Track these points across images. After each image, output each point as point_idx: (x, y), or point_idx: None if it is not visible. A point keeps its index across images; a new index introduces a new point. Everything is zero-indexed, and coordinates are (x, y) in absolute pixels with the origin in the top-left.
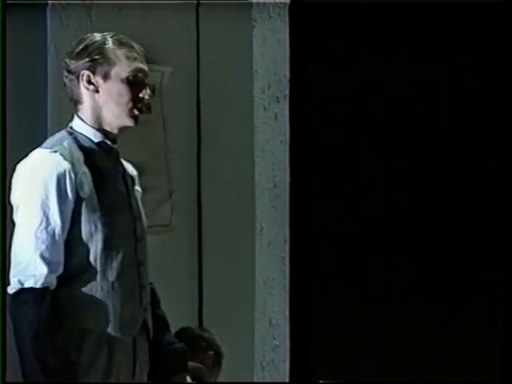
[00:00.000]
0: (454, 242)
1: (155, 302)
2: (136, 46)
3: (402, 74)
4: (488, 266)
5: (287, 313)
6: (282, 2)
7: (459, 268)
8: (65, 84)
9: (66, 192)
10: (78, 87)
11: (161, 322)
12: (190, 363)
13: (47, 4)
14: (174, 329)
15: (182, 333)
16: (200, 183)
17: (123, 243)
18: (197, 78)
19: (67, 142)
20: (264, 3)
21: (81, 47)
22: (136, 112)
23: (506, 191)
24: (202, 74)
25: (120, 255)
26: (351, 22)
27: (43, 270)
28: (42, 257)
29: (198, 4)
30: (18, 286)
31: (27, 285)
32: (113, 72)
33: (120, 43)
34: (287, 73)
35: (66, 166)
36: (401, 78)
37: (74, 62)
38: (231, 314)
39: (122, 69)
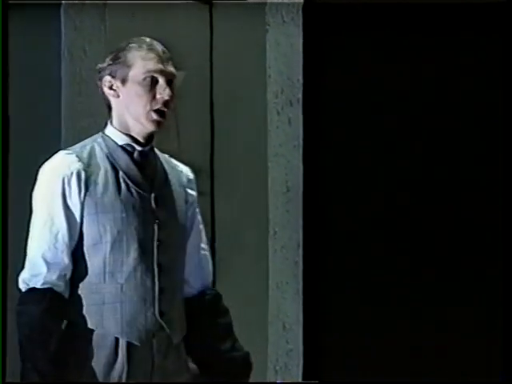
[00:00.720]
0: (456, 242)
1: (217, 309)
2: (159, 47)
3: (412, 76)
4: (488, 265)
5: (301, 317)
6: (295, 3)
7: (459, 268)
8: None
9: (73, 194)
10: (104, 93)
11: (220, 329)
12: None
13: (60, 7)
14: None
15: None
16: (213, 187)
17: (137, 246)
18: (210, 82)
19: (90, 145)
20: (277, 8)
21: (108, 54)
22: (155, 116)
23: (506, 191)
24: (215, 79)
25: (131, 258)
26: (365, 27)
27: (43, 270)
28: (43, 257)
29: (212, 8)
30: (24, 285)
31: (31, 284)
32: (130, 75)
33: (139, 46)
34: (300, 77)
35: (78, 167)
36: (412, 79)
37: (100, 67)
38: (244, 318)
39: (138, 71)
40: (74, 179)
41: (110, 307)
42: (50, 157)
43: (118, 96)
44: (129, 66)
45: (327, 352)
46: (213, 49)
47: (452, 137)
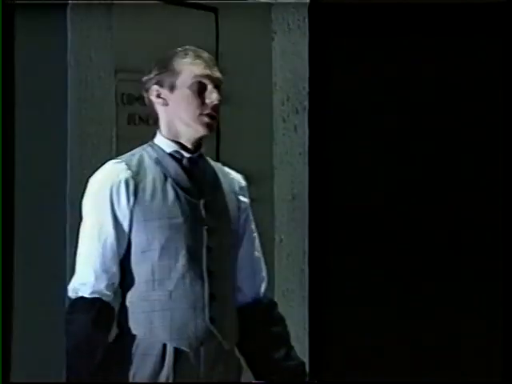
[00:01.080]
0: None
1: (271, 317)
2: (204, 54)
3: (416, 79)
4: (488, 266)
5: (306, 325)
6: (301, 10)
7: (460, 268)
8: (145, 103)
9: (121, 202)
10: (152, 103)
11: (275, 337)
12: None
13: (66, 13)
14: None
15: None
16: None
17: (185, 253)
18: None
19: (139, 153)
20: (283, 15)
21: (152, 65)
22: (206, 119)
23: (506, 191)
24: (221, 86)
25: (180, 264)
26: (371, 34)
27: (91, 278)
28: (92, 265)
29: (217, 15)
30: (73, 294)
31: (80, 293)
32: (178, 81)
33: (185, 53)
34: (306, 84)
35: (126, 175)
36: (415, 82)
37: (146, 79)
38: None
39: (186, 77)
40: (122, 187)
41: (159, 314)
42: (54, 163)
43: (167, 104)
44: (176, 73)
45: (334, 359)
46: (218, 56)
47: (452, 137)
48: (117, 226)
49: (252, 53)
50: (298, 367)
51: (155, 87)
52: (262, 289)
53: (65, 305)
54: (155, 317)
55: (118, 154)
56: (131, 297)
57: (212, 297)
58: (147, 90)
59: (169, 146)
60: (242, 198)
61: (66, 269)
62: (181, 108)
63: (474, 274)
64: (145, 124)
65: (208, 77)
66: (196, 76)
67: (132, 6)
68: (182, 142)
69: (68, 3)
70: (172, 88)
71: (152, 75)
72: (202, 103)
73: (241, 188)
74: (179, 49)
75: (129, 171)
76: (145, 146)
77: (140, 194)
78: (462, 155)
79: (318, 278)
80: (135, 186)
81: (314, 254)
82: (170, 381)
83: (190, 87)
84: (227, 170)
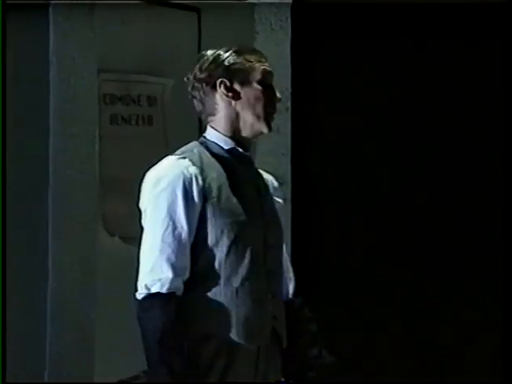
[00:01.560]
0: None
1: (304, 316)
2: (263, 53)
3: (404, 78)
4: (489, 265)
5: None
6: (284, 11)
7: (461, 269)
8: (194, 97)
9: (193, 196)
10: (213, 97)
11: (309, 335)
12: None
13: (48, 13)
14: None
15: None
16: None
17: (251, 250)
18: None
19: (197, 149)
20: (266, 16)
21: (211, 58)
22: (270, 117)
23: (508, 191)
24: None
25: (246, 261)
26: (355, 34)
27: (169, 274)
28: (168, 261)
29: (200, 16)
30: (145, 291)
31: (154, 290)
32: (250, 77)
33: (250, 50)
34: (289, 85)
35: (194, 170)
36: (402, 82)
37: (206, 72)
38: None
39: (256, 73)
40: (193, 182)
41: (224, 310)
42: (37, 162)
43: (238, 98)
44: (247, 69)
45: None
46: None
47: (452, 138)
48: (189, 221)
49: None
50: (332, 364)
51: (225, 80)
52: (292, 288)
53: (47, 304)
54: (220, 312)
55: (100, 153)
56: (197, 292)
57: (273, 294)
58: (208, 83)
59: (226, 143)
60: (277, 199)
61: (49, 268)
62: (250, 104)
63: (474, 274)
64: (127, 124)
65: (272, 74)
66: (265, 72)
67: (114, 6)
68: (239, 138)
69: (50, 3)
70: (243, 83)
71: (216, 70)
72: (270, 101)
73: (275, 189)
74: (235, 45)
75: (195, 167)
76: (198, 142)
77: (207, 191)
78: (461, 155)
79: (302, 281)
80: (203, 181)
81: (296, 255)
82: (228, 375)
83: (260, 84)
84: (260, 170)
